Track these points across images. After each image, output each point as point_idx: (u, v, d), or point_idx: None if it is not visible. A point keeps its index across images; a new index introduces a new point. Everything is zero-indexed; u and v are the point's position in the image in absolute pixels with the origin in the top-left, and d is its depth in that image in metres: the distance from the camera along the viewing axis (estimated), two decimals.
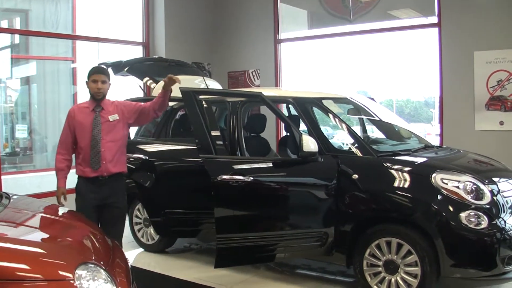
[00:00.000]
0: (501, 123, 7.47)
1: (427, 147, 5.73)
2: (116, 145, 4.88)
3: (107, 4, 10.27)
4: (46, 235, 3.33)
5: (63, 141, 4.92)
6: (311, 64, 10.76)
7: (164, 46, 9.47)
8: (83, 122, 4.82)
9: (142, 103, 5.07)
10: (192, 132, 4.94)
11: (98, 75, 4.87)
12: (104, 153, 4.78)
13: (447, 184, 4.57)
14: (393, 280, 4.68)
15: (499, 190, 4.69)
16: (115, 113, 4.92)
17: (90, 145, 4.77)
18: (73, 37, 10.04)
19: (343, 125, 5.33)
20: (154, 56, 9.09)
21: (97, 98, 4.86)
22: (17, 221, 3.49)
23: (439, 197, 4.53)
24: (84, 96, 10.08)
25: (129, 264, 3.69)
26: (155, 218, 6.26)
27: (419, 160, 5.11)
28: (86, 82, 4.91)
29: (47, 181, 9.48)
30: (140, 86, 7.48)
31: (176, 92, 5.04)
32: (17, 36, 9.86)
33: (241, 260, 5.27)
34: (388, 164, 4.89)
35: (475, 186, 4.58)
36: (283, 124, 7.69)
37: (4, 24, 9.72)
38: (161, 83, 6.44)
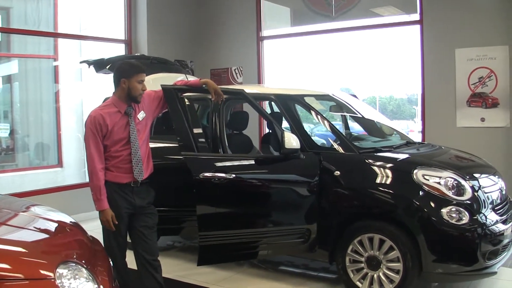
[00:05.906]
0: (482, 119, 7.54)
1: (409, 143, 5.76)
2: (147, 145, 4.35)
3: (89, 1, 10.21)
4: (27, 234, 3.30)
5: (95, 153, 4.08)
6: (294, 62, 10.79)
7: (147, 44, 9.44)
8: (116, 128, 4.12)
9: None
10: (174, 129, 4.91)
11: (144, 74, 4.19)
12: (143, 159, 4.22)
13: (428, 180, 4.60)
14: (375, 276, 4.70)
15: (480, 186, 4.74)
16: (141, 109, 4.29)
17: (130, 153, 4.14)
18: (55, 35, 9.95)
19: (325, 122, 5.35)
20: (136, 54, 9.06)
21: (139, 100, 4.20)
22: None
23: (421, 193, 4.56)
24: (67, 94, 10.18)
25: (111, 262, 3.68)
26: None
27: (401, 156, 5.14)
28: (124, 80, 4.13)
29: (29, 180, 9.46)
30: None
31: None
32: None
33: (224, 258, 5.26)
34: (370, 160, 4.91)
35: (456, 182, 4.62)
36: (266, 122, 7.69)
37: None
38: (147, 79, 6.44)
